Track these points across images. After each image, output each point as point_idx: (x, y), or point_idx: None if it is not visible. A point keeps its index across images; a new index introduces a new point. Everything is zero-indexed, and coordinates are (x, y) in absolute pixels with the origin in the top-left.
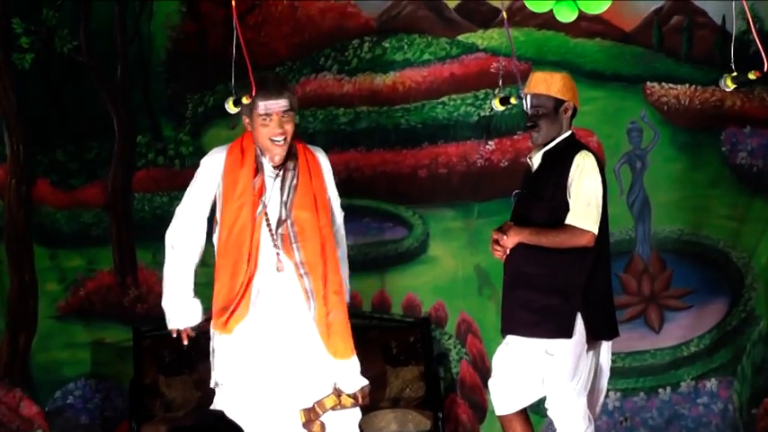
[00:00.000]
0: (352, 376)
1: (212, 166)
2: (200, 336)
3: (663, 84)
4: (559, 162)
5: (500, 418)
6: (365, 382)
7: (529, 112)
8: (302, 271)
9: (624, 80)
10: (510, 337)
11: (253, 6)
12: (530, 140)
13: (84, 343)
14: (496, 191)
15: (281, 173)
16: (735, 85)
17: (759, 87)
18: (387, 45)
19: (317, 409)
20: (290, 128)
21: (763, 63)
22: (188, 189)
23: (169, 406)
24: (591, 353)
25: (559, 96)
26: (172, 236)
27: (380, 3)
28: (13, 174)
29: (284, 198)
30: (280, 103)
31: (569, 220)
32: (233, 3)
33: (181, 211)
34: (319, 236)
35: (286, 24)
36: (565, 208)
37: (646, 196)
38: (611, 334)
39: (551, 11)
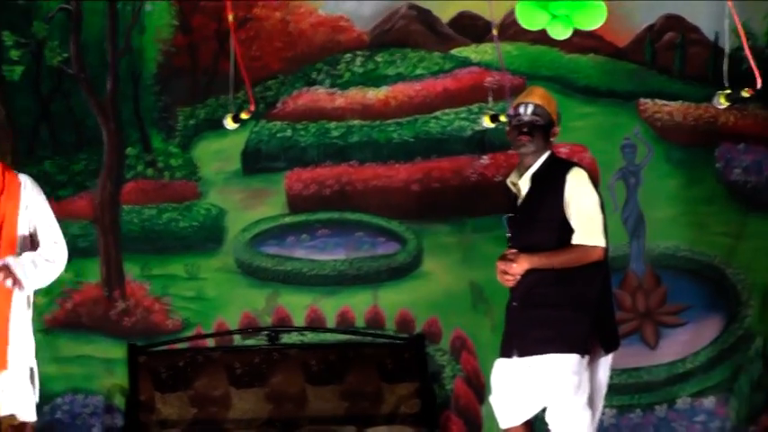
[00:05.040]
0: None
1: None
2: (197, 352)
3: (656, 100)
4: (550, 182)
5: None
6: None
7: (525, 119)
8: None
9: (617, 96)
10: (520, 359)
11: (245, 21)
12: (518, 148)
13: (72, 357)
14: (491, 206)
15: None
16: (729, 103)
17: (752, 104)
18: (379, 59)
19: (13, 419)
20: None
21: (756, 80)
22: None
23: (164, 423)
24: (590, 367)
25: (554, 117)
26: None
27: (373, 17)
28: None
29: None
30: None
31: (577, 240)
32: (230, 18)
33: None
34: None
35: (278, 39)
36: (566, 226)
37: (640, 212)
38: (616, 345)
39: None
